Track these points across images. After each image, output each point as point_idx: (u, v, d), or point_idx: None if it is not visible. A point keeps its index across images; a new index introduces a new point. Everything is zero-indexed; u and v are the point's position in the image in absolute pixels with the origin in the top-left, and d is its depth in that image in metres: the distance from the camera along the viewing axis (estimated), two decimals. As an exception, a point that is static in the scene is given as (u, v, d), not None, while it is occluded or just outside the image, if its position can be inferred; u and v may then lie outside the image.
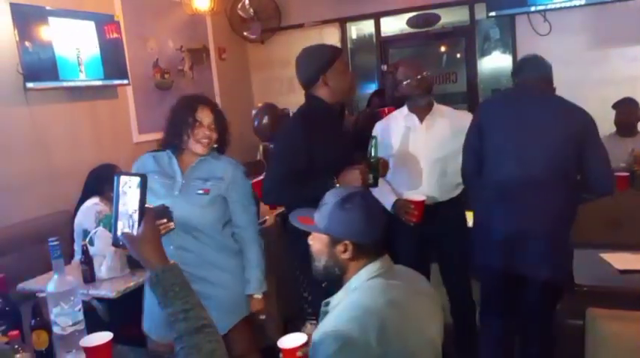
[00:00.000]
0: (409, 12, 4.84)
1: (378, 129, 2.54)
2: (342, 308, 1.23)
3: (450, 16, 4.82)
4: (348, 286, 1.31)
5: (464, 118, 2.46)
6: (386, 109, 3.20)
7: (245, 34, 5.11)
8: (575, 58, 4.27)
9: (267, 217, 3.04)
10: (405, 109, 2.52)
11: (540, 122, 2.11)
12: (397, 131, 2.50)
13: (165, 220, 1.24)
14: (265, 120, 3.65)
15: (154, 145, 2.08)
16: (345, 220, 1.30)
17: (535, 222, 2.07)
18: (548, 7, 4.14)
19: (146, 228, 1.09)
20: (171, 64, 4.34)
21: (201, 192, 1.95)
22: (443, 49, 5.12)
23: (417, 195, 2.35)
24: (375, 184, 2.07)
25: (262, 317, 2.08)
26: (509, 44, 4.55)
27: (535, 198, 2.07)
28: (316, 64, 2.03)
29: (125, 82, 3.76)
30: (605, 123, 3.74)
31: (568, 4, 4.08)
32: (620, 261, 2.07)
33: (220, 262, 2.01)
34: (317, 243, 1.35)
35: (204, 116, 1.95)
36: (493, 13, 4.30)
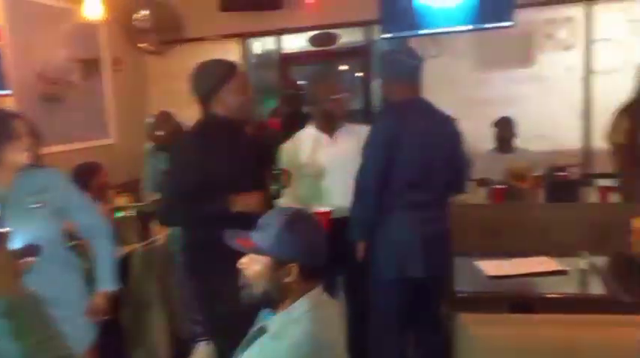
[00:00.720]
0: (310, 30, 4.95)
1: (286, 151, 2.57)
2: (295, 342, 1.20)
3: (350, 36, 5.00)
4: (289, 314, 1.27)
5: (362, 129, 2.62)
6: (275, 121, 3.25)
7: (142, 45, 4.95)
8: (463, 79, 4.59)
9: (158, 236, 2.96)
10: (312, 129, 2.58)
11: (436, 130, 2.28)
12: (306, 149, 2.55)
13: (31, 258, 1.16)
14: (160, 132, 3.53)
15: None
16: (293, 242, 1.27)
17: (440, 230, 2.28)
18: (437, 31, 4.42)
19: None
20: (60, 75, 4.10)
21: (37, 205, 1.84)
22: (343, 67, 5.30)
23: (324, 207, 2.39)
24: (278, 196, 2.09)
25: (103, 317, 2.01)
26: (401, 65, 4.79)
27: (437, 206, 2.27)
28: (210, 80, 2.00)
29: (6, 92, 3.50)
30: (486, 140, 4.06)
31: (455, 29, 4.38)
32: (492, 267, 2.23)
33: (66, 280, 1.92)
34: (255, 266, 1.29)
35: (20, 126, 1.83)
36: (387, 35, 4.51)
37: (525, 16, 4.31)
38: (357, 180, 2.25)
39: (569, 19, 4.34)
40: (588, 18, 4.29)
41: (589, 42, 4.31)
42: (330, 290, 2.56)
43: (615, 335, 1.38)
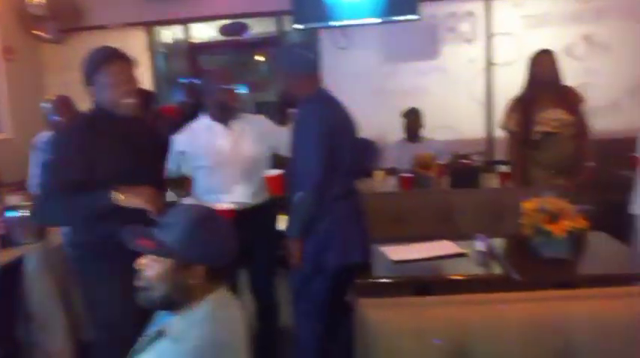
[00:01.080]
0: (219, 19, 4.84)
1: (181, 142, 2.45)
2: (197, 344, 1.16)
3: (261, 26, 4.94)
4: (193, 315, 1.21)
5: (264, 123, 2.61)
6: (169, 109, 3.14)
7: (37, 33, 4.60)
8: (372, 71, 4.68)
9: (55, 236, 2.77)
10: (206, 118, 2.50)
11: (349, 118, 2.35)
12: (203, 140, 2.46)
13: None
14: (59, 117, 3.24)
15: None
16: (199, 242, 1.21)
17: (363, 213, 2.35)
18: (347, 23, 4.47)
19: None
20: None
21: None
22: (255, 58, 5.23)
23: (225, 204, 2.34)
24: (178, 201, 2.01)
25: None
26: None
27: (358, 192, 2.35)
28: (86, 67, 1.88)
29: None
30: (396, 130, 4.18)
31: (364, 22, 4.45)
32: (397, 252, 2.29)
33: None
34: (157, 267, 1.21)
35: None
36: (298, 26, 4.50)
37: (430, 9, 4.47)
38: (303, 173, 2.14)
39: (470, 14, 4.55)
40: (488, 13, 4.52)
41: (489, 35, 4.55)
42: (234, 286, 2.52)
43: (506, 312, 1.46)
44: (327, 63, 4.70)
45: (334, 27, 4.52)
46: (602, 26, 4.38)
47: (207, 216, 1.27)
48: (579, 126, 3.13)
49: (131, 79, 1.92)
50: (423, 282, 2.14)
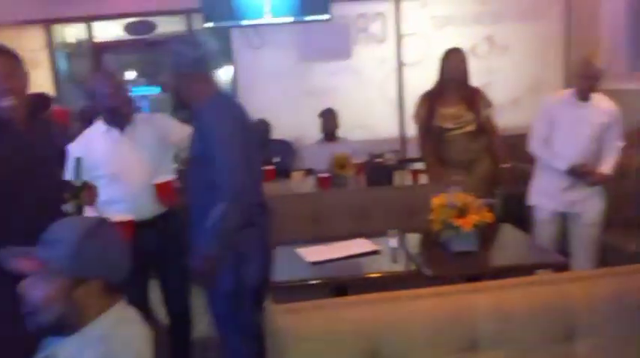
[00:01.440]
0: (124, 18, 4.62)
1: (77, 149, 2.24)
2: None
3: (170, 25, 4.77)
4: (90, 334, 1.11)
5: (166, 121, 2.48)
6: (60, 111, 2.94)
7: None
8: (286, 71, 4.67)
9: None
10: (100, 124, 2.35)
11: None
12: (99, 147, 2.29)
13: None
14: None
15: None
16: (92, 255, 1.12)
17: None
18: (259, 22, 4.41)
19: None
20: None
21: None
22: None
23: (124, 216, 2.19)
24: (79, 212, 1.85)
25: None
26: (227, 55, 4.71)
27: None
28: None
29: None
30: (313, 130, 4.18)
31: (276, 21, 4.42)
32: (312, 253, 2.28)
33: None
34: (44, 287, 1.10)
35: None
36: (209, 24, 4.38)
37: (341, 10, 4.53)
38: (225, 182, 1.90)
39: (380, 14, 4.66)
40: (397, 14, 4.65)
41: (399, 36, 4.67)
42: (145, 299, 2.42)
43: (417, 308, 1.48)
44: (240, 63, 4.65)
45: (246, 26, 4.46)
46: (502, 28, 4.65)
47: (96, 227, 1.18)
48: (485, 126, 3.27)
49: (11, 77, 1.75)
50: (338, 283, 2.14)
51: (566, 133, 2.84)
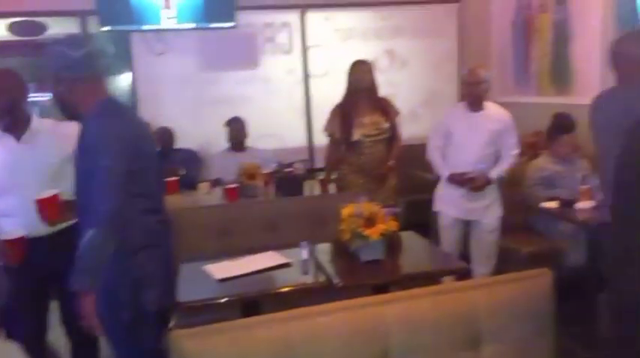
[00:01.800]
0: (9, 17, 4.23)
1: None
2: None
3: (61, 27, 4.43)
4: None
5: (68, 127, 2.20)
6: None
7: None
8: (191, 78, 4.53)
9: None
10: None
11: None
12: None
13: None
14: None
15: None
16: None
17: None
18: (161, 27, 4.24)
19: None
20: None
21: None
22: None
23: (15, 232, 1.99)
24: None
25: None
26: (126, 61, 4.47)
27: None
28: None
29: None
30: (220, 140, 4.08)
31: (179, 27, 4.27)
32: (220, 270, 2.19)
33: None
34: None
35: None
36: (106, 28, 4.14)
37: (247, 18, 4.48)
38: (98, 204, 1.70)
39: (286, 25, 4.67)
40: (303, 25, 4.68)
41: (305, 47, 4.70)
42: (43, 321, 2.21)
43: (328, 323, 1.45)
44: (141, 69, 4.43)
45: (147, 31, 4.26)
46: (401, 42, 4.84)
47: None
48: (393, 133, 3.38)
49: None
50: (248, 299, 2.07)
51: (460, 142, 3.01)
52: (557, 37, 4.24)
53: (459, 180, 2.96)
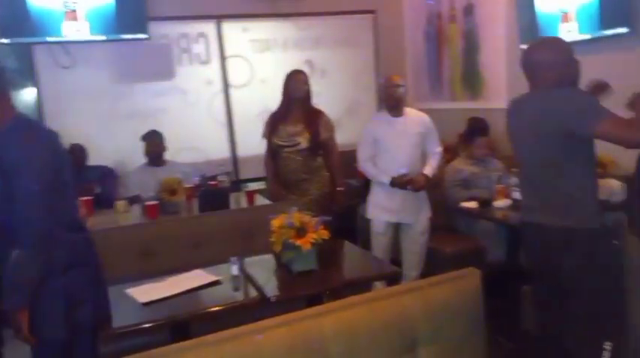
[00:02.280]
0: None
1: None
2: None
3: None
4: None
5: None
6: None
7: None
8: (102, 92, 4.29)
9: None
10: None
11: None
12: None
13: None
14: None
15: None
16: None
17: None
18: (67, 39, 3.99)
19: None
20: None
21: None
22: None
23: None
24: None
25: None
26: (29, 75, 4.15)
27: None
28: None
29: None
30: (137, 155, 3.88)
31: (88, 39, 4.03)
32: (144, 293, 2.07)
33: None
34: None
35: None
36: (6, 40, 3.83)
37: (161, 29, 4.33)
38: (22, 225, 1.64)
39: (202, 35, 4.56)
40: (219, 35, 4.59)
41: (223, 58, 4.61)
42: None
43: (264, 340, 1.40)
44: (46, 84, 4.14)
45: (51, 43, 3.99)
46: (320, 53, 4.89)
47: None
48: (325, 147, 3.39)
49: None
50: (176, 322, 1.96)
51: (389, 148, 3.06)
52: (467, 46, 4.46)
53: (400, 182, 3.00)
